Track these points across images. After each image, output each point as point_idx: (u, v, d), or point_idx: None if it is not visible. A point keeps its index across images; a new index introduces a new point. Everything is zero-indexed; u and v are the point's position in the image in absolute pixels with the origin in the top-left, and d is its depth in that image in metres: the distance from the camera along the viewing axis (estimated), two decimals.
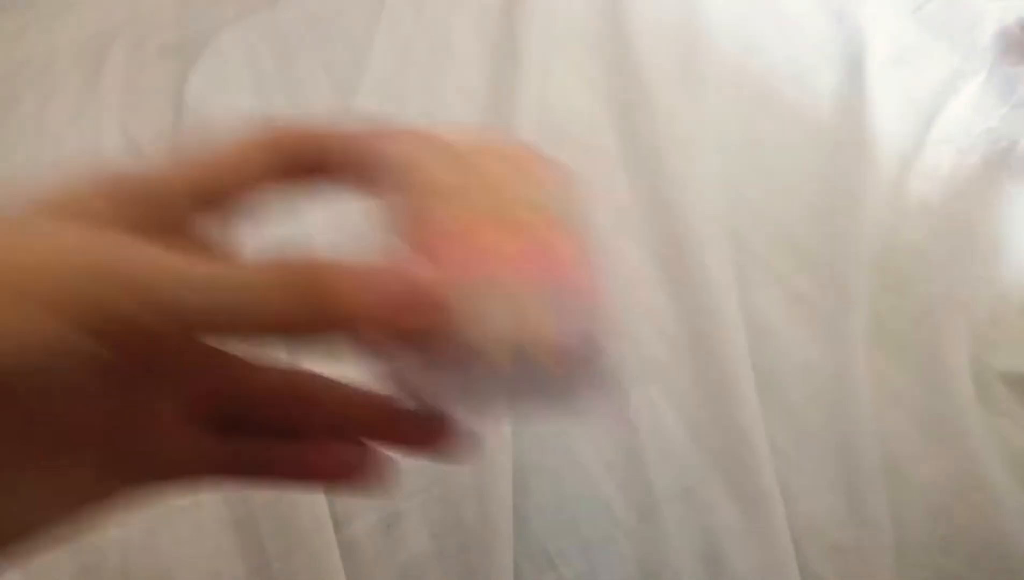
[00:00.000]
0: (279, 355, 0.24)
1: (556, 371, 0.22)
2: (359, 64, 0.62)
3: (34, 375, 0.18)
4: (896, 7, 0.67)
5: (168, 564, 0.41)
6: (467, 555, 0.43)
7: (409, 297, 0.21)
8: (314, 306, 0.20)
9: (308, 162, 0.26)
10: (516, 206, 0.23)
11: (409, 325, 0.21)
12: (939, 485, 0.46)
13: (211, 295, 0.19)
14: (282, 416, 0.26)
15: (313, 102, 0.61)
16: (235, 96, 0.60)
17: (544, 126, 0.59)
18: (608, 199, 0.56)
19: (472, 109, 0.60)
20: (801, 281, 0.54)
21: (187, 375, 0.24)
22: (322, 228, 0.50)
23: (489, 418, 0.22)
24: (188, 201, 0.24)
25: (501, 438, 0.45)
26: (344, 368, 0.24)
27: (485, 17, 0.65)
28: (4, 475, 0.20)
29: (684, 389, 0.49)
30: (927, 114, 0.61)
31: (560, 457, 0.47)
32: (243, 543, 0.43)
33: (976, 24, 0.65)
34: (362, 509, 0.44)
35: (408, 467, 0.45)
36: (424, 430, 0.25)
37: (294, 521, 0.42)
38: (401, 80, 0.62)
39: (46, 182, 0.22)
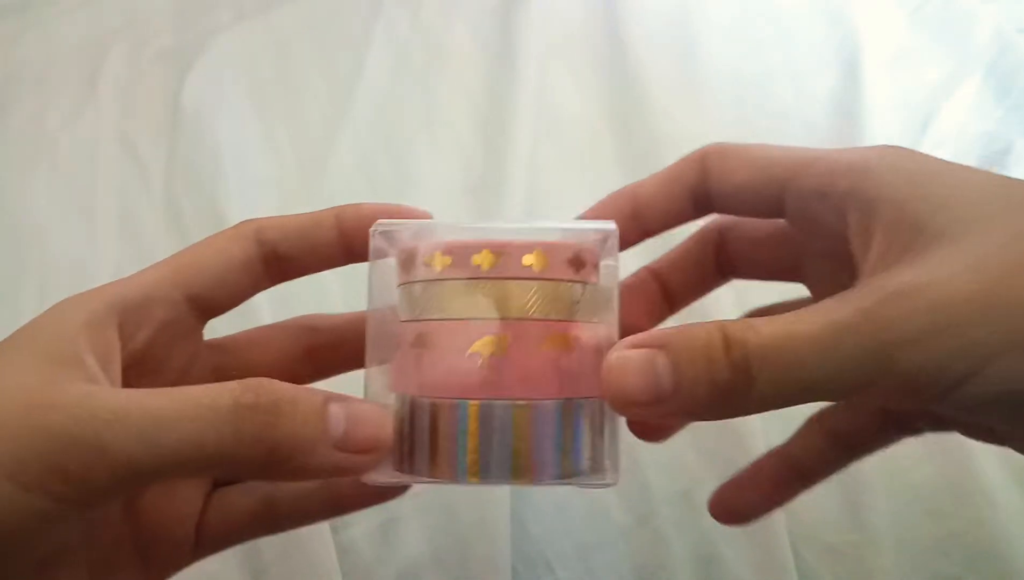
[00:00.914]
0: None
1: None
2: (356, 68, 0.62)
3: None
4: (892, 9, 0.67)
5: None
6: (464, 559, 0.43)
7: (355, 441, 0.21)
8: (264, 451, 0.20)
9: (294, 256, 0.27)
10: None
11: (350, 469, 0.22)
12: (937, 487, 0.46)
13: (159, 441, 0.20)
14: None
15: (310, 107, 0.61)
16: (232, 101, 0.60)
17: (541, 130, 0.59)
18: None
19: (469, 113, 0.60)
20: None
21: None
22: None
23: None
24: (184, 305, 0.26)
25: None
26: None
27: (482, 21, 0.65)
28: None
29: None
30: (923, 116, 0.62)
31: None
32: (240, 548, 0.43)
33: (972, 27, 0.65)
34: (360, 513, 0.44)
35: None
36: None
37: None
38: (398, 84, 0.62)
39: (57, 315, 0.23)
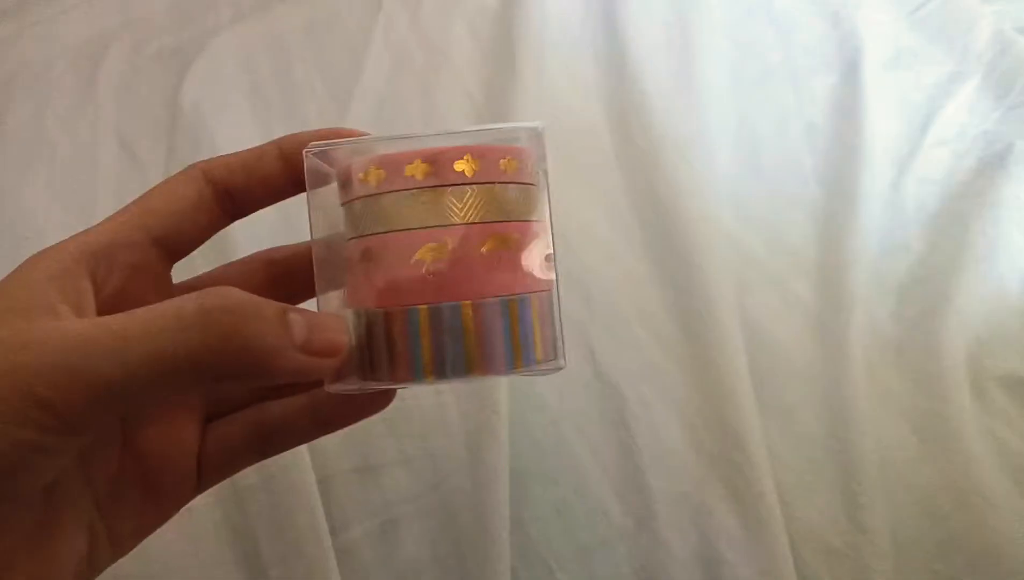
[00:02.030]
0: None
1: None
2: (355, 68, 0.62)
3: None
4: (892, 10, 0.67)
5: (163, 572, 0.41)
6: (464, 561, 0.43)
7: (316, 345, 0.22)
8: (233, 352, 0.21)
9: (243, 192, 0.28)
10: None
11: (316, 371, 0.23)
12: (936, 489, 0.46)
13: (128, 357, 0.20)
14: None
15: (309, 106, 0.61)
16: (231, 101, 0.60)
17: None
18: (605, 202, 0.56)
19: (468, 113, 0.60)
20: (798, 284, 0.54)
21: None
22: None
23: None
24: (151, 249, 0.26)
25: (497, 444, 0.45)
26: None
27: (481, 21, 0.65)
28: None
29: (681, 393, 0.49)
30: (923, 117, 0.62)
31: (557, 462, 0.47)
32: (239, 550, 0.43)
33: (972, 27, 0.65)
34: (359, 515, 0.44)
35: (404, 472, 0.45)
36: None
37: (290, 527, 0.42)
38: (397, 84, 0.62)
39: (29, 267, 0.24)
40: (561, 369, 0.26)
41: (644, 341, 0.50)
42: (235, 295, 0.21)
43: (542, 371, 0.26)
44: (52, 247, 0.24)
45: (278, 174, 0.27)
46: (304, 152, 0.26)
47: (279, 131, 0.63)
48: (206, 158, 0.28)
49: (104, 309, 0.25)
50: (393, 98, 0.61)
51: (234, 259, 0.30)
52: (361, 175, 0.25)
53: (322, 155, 0.26)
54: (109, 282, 0.25)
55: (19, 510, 0.22)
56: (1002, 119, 0.61)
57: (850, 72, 0.63)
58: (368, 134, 0.28)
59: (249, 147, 0.28)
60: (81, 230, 0.25)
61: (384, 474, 0.45)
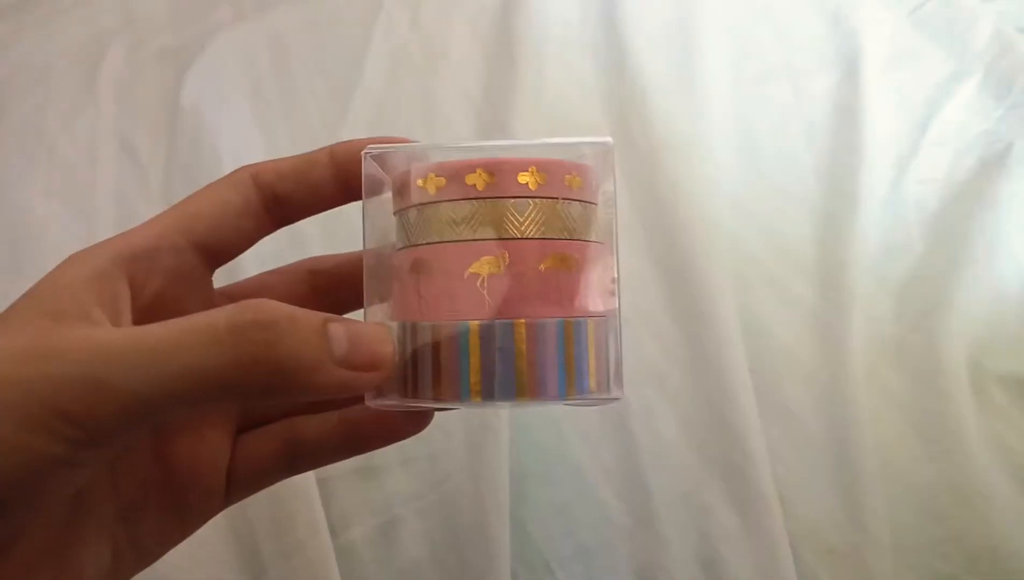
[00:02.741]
0: None
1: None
2: (355, 68, 0.62)
3: (14, 486, 0.19)
4: (892, 9, 0.67)
5: (164, 572, 0.41)
6: (464, 561, 0.43)
7: (358, 358, 0.21)
8: (267, 371, 0.20)
9: (291, 199, 0.27)
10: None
11: (357, 387, 0.22)
12: (936, 489, 0.46)
13: (159, 371, 0.20)
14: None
15: (309, 106, 0.61)
16: (231, 101, 0.60)
17: (540, 130, 0.59)
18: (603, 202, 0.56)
19: (468, 113, 0.60)
20: (798, 284, 0.54)
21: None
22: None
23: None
24: (191, 253, 0.26)
25: (498, 444, 0.45)
26: None
27: (481, 20, 0.65)
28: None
29: (681, 393, 0.49)
30: (923, 116, 0.62)
31: (557, 463, 0.47)
32: (240, 550, 0.43)
33: (972, 27, 0.65)
34: (359, 515, 0.44)
35: (405, 473, 0.45)
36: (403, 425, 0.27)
37: (291, 527, 0.42)
38: (397, 84, 0.62)
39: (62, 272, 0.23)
40: (617, 400, 0.25)
41: (644, 341, 0.50)
42: (269, 308, 0.21)
43: (595, 401, 0.25)
44: (92, 247, 0.24)
45: (329, 182, 0.26)
46: (363, 153, 0.25)
47: (279, 131, 0.63)
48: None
49: (141, 314, 0.24)
50: (393, 98, 0.61)
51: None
52: (420, 181, 0.24)
53: (379, 159, 0.25)
54: (148, 286, 0.25)
55: (42, 520, 0.22)
56: (1002, 119, 0.61)
57: (850, 72, 0.63)
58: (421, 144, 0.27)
59: (299, 153, 0.27)
60: (121, 233, 0.25)
61: (384, 474, 0.45)
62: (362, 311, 0.26)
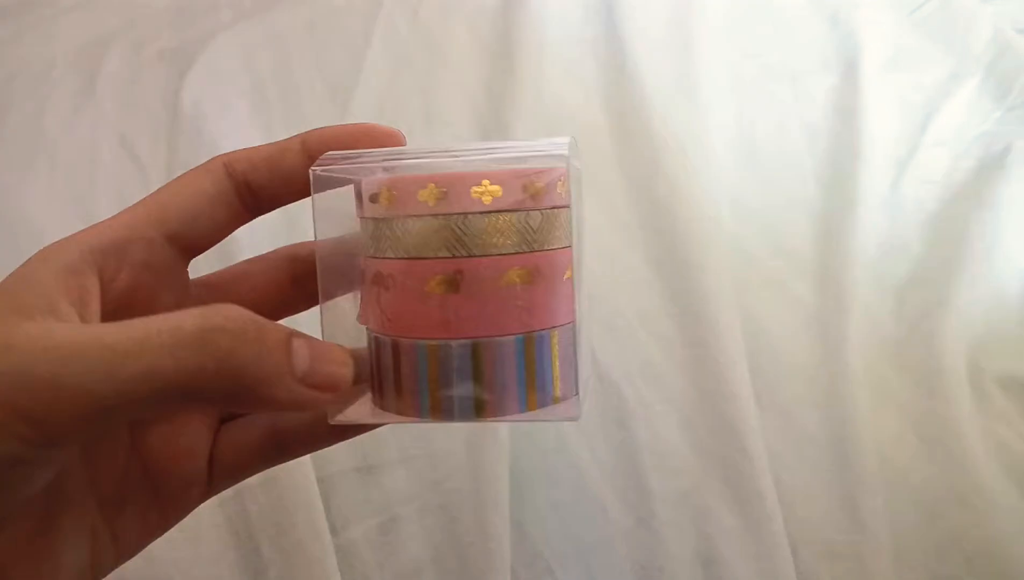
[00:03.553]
0: None
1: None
2: (355, 68, 0.62)
3: None
4: (891, 10, 0.67)
5: (164, 572, 0.41)
6: (464, 561, 0.43)
7: (317, 377, 0.21)
8: (229, 379, 0.20)
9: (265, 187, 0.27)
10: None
11: (312, 404, 0.21)
12: (935, 489, 0.46)
13: (117, 373, 0.19)
14: None
15: (309, 106, 0.61)
16: (231, 101, 0.60)
17: (540, 129, 0.59)
18: (604, 203, 0.56)
19: (468, 112, 0.60)
20: (798, 285, 0.55)
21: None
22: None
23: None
24: (165, 245, 0.25)
25: (498, 443, 0.45)
26: None
27: (481, 20, 0.65)
28: None
29: (681, 393, 0.49)
30: (922, 117, 0.62)
31: (556, 462, 0.47)
32: (240, 549, 0.43)
33: (971, 27, 0.65)
34: (359, 514, 0.44)
35: (405, 472, 0.45)
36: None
37: (291, 527, 0.42)
38: (397, 84, 0.62)
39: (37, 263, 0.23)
40: (575, 419, 0.24)
41: (644, 341, 0.50)
42: (237, 315, 0.20)
43: (559, 414, 0.24)
44: (61, 241, 0.24)
45: (301, 170, 0.26)
46: (311, 170, 0.25)
47: (279, 131, 0.63)
48: (203, 156, 0.27)
49: (113, 307, 0.24)
50: (393, 98, 0.61)
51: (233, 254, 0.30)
52: (371, 195, 0.24)
53: (327, 173, 0.25)
54: (119, 280, 0.24)
55: (16, 513, 0.22)
56: (1001, 120, 0.61)
57: (849, 72, 0.63)
58: (399, 134, 0.26)
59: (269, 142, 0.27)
60: (89, 225, 0.25)
61: (384, 473, 0.45)
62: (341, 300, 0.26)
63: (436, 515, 0.44)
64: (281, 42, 0.64)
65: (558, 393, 0.24)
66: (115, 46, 0.63)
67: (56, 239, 0.24)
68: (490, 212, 0.23)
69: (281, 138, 0.26)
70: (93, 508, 0.24)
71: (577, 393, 0.24)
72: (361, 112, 0.60)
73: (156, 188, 0.26)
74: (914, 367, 0.51)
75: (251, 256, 0.29)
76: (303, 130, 0.28)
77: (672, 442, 0.47)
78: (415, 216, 0.23)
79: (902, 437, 0.49)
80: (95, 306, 0.23)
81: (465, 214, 0.23)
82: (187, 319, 0.20)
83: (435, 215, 0.23)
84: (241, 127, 0.59)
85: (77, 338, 0.20)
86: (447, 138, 0.60)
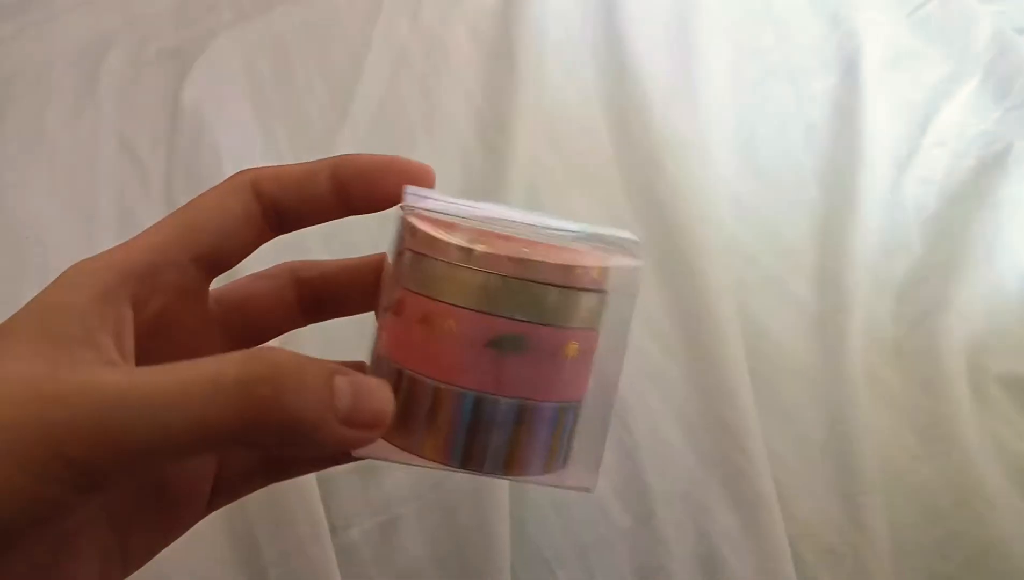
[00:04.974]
0: None
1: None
2: (355, 68, 0.62)
3: (8, 529, 0.19)
4: (891, 10, 0.67)
5: (164, 571, 0.41)
6: (464, 560, 0.43)
7: (360, 416, 0.21)
8: (271, 428, 0.20)
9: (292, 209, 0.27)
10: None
11: (355, 443, 0.22)
12: (936, 489, 0.46)
13: (163, 422, 0.19)
14: None
15: (309, 107, 0.61)
16: (231, 101, 0.60)
17: (540, 130, 0.59)
18: (604, 202, 0.56)
19: (468, 114, 0.60)
20: (798, 284, 0.55)
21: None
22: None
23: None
24: (192, 267, 0.25)
25: None
26: None
27: (481, 22, 0.65)
28: None
29: (680, 392, 0.49)
30: (922, 117, 0.62)
31: None
32: (240, 549, 0.43)
33: (971, 28, 0.65)
34: (359, 514, 0.44)
35: (405, 472, 0.45)
36: None
37: (291, 526, 0.42)
38: (397, 85, 0.62)
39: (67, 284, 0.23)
40: (590, 490, 0.25)
41: (644, 341, 0.50)
42: (278, 361, 0.20)
43: (575, 481, 0.25)
44: (91, 261, 0.23)
45: (328, 196, 0.26)
46: (399, 209, 0.25)
47: (279, 131, 0.63)
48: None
49: (142, 333, 0.24)
50: (393, 98, 0.61)
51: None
52: (452, 239, 0.24)
53: (422, 210, 0.25)
54: (150, 305, 0.24)
55: (32, 543, 0.21)
56: (1001, 119, 0.61)
57: (849, 72, 0.63)
58: (429, 170, 0.27)
59: (299, 161, 0.27)
60: (121, 243, 0.24)
61: (384, 474, 0.45)
62: (350, 319, 0.26)
63: (436, 515, 0.44)
64: (281, 42, 0.64)
65: (567, 463, 0.25)
66: (115, 46, 0.63)
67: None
68: (566, 287, 0.24)
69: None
70: (105, 528, 0.24)
71: (592, 467, 0.26)
72: (361, 112, 0.60)
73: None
74: (914, 367, 0.51)
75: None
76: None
77: (672, 442, 0.47)
78: (495, 273, 0.23)
79: (902, 437, 0.49)
80: (130, 339, 0.23)
81: (547, 284, 0.24)
82: (229, 367, 0.20)
83: (518, 278, 0.23)
84: (241, 127, 0.59)
85: (122, 384, 0.20)
86: (447, 138, 0.60)
